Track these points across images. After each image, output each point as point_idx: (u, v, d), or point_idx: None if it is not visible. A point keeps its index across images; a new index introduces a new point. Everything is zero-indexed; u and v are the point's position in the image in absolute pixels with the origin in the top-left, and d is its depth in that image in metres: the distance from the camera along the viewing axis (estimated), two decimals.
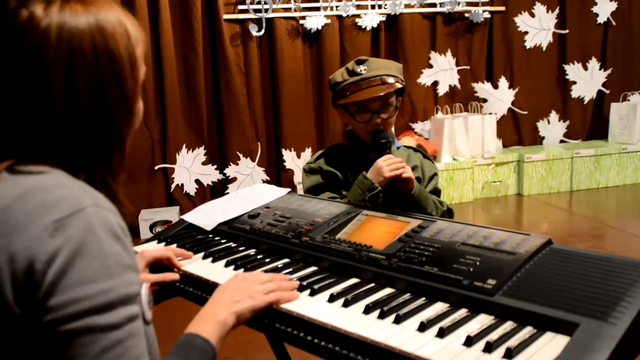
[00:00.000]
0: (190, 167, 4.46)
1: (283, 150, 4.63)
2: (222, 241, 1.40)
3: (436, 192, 1.69)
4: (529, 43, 5.07)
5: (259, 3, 4.38)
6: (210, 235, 1.44)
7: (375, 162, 1.54)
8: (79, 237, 0.67)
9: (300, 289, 1.05)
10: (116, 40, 0.77)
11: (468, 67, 5.00)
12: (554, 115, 5.26)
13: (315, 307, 0.98)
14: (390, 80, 1.60)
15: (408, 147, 1.78)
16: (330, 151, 1.78)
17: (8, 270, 0.66)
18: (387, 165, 1.50)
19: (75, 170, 0.76)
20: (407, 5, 4.72)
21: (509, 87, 5.11)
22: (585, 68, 5.22)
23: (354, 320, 0.92)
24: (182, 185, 4.47)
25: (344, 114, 1.69)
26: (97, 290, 0.66)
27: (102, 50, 0.76)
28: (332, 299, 1.00)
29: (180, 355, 0.84)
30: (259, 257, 1.26)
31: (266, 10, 4.39)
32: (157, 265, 1.26)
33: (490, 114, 4.99)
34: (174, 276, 1.22)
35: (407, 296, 1.00)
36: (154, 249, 1.33)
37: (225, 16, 4.36)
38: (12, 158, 0.75)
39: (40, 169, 0.74)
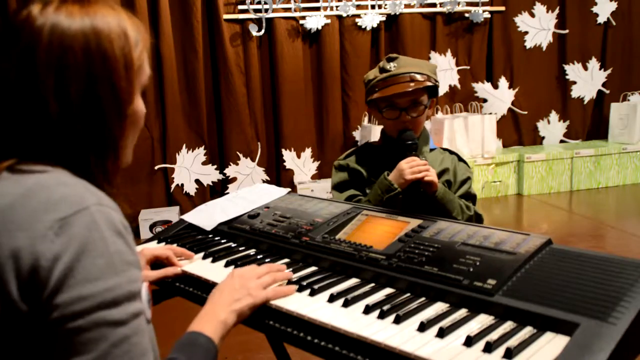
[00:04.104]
0: (190, 167, 4.46)
1: (283, 150, 4.63)
2: (222, 241, 1.40)
3: (468, 196, 1.65)
4: (529, 43, 5.08)
5: (259, 3, 4.38)
6: (210, 235, 1.44)
7: (398, 163, 1.52)
8: (84, 235, 0.68)
9: (300, 289, 1.05)
10: (111, 41, 0.77)
11: (468, 67, 5.00)
12: (554, 115, 5.26)
13: (315, 307, 0.98)
14: (419, 77, 1.57)
15: (445, 150, 1.75)
16: (363, 149, 1.77)
17: (12, 266, 0.66)
18: (410, 167, 1.48)
19: (74, 170, 0.76)
20: (407, 5, 4.72)
21: (509, 87, 5.11)
22: (585, 68, 5.22)
23: (354, 320, 0.92)
24: (182, 185, 4.47)
25: (375, 112, 1.67)
26: (103, 287, 0.67)
27: (95, 50, 0.75)
28: (332, 299, 1.00)
29: (184, 352, 0.85)
30: (259, 257, 1.25)
31: (266, 10, 4.39)
32: (157, 264, 1.27)
33: (490, 114, 4.99)
34: (175, 270, 1.22)
35: (407, 296, 1.00)
36: (155, 247, 1.33)
37: (225, 16, 4.37)
38: (13, 157, 0.75)
39: (42, 167, 0.74)
